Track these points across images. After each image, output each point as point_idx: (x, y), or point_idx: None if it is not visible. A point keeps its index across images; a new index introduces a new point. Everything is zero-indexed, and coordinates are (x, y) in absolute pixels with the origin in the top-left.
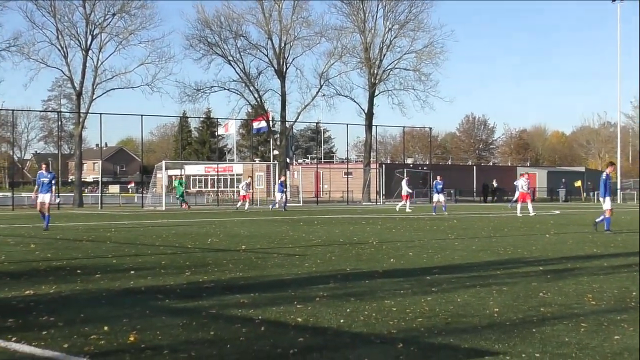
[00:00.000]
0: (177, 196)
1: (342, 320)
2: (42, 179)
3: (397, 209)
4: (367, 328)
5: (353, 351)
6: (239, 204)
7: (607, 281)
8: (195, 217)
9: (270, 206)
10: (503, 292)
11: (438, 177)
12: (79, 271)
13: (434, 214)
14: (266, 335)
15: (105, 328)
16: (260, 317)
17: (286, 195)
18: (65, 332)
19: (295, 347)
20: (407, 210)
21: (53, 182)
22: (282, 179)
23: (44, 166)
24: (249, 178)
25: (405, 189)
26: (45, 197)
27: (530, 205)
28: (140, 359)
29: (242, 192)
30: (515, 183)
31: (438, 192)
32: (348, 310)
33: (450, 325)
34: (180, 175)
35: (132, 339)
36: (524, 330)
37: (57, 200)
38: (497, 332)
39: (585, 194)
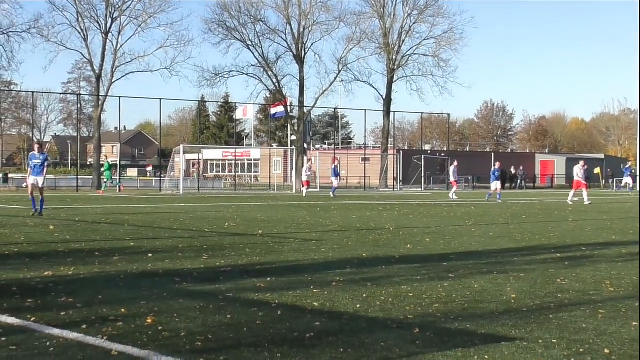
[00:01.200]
0: (105, 180)
1: (358, 305)
2: (34, 161)
3: (451, 197)
4: (384, 313)
5: (369, 336)
6: (304, 190)
7: (625, 268)
8: (213, 201)
9: (331, 193)
10: (520, 279)
11: (497, 164)
12: (97, 253)
13: (499, 201)
14: (283, 319)
15: (123, 310)
16: (277, 301)
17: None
18: (83, 313)
19: (312, 332)
20: (453, 197)
21: (46, 163)
22: (336, 163)
23: (36, 147)
24: (310, 162)
25: (452, 175)
26: (37, 180)
27: (585, 194)
28: (158, 340)
29: (304, 178)
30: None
31: (497, 179)
32: (364, 295)
33: (466, 311)
34: (106, 158)
35: (149, 321)
36: (541, 316)
37: (42, 184)
38: (514, 318)
39: (604, 181)
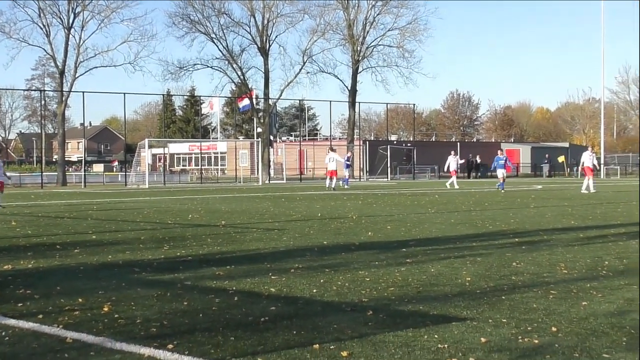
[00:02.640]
0: None
1: (314, 290)
2: None
3: (447, 185)
4: (339, 297)
5: (323, 319)
6: (332, 180)
7: (580, 251)
8: (178, 194)
9: (342, 183)
10: (477, 263)
11: (499, 152)
12: (58, 247)
13: (501, 190)
14: (239, 305)
15: (80, 300)
16: (234, 288)
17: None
18: (40, 304)
19: (267, 316)
20: (455, 186)
21: None
22: (349, 154)
23: None
24: (331, 152)
25: (452, 165)
26: None
27: (591, 181)
28: (113, 328)
29: (332, 167)
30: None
31: (501, 168)
32: (321, 280)
33: (421, 294)
34: None
35: (106, 309)
36: (493, 297)
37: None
38: (467, 299)
39: (568, 169)
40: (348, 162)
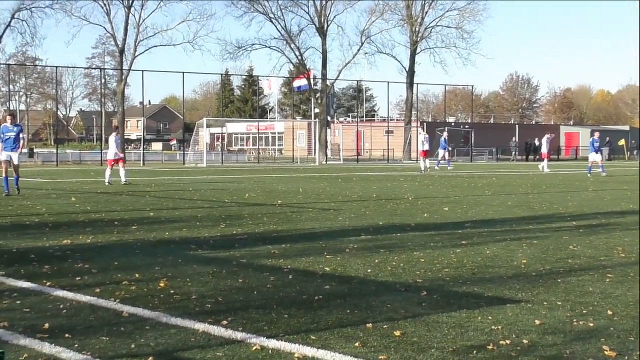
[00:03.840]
0: None
1: (369, 270)
2: (7, 134)
3: (540, 168)
4: (393, 277)
5: (376, 298)
6: (423, 161)
7: None
8: (236, 173)
9: (436, 165)
10: (533, 245)
11: (595, 135)
12: (116, 223)
13: (588, 174)
14: (293, 283)
15: (137, 275)
16: (289, 267)
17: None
18: (98, 278)
19: (320, 294)
20: (546, 170)
21: (21, 135)
22: (445, 134)
23: (9, 118)
24: (423, 133)
25: (544, 146)
26: (12, 156)
27: None
28: (168, 303)
29: (425, 147)
30: None
31: (596, 151)
32: (376, 260)
33: (476, 275)
34: None
35: (162, 285)
36: (549, 280)
37: (18, 160)
38: (522, 282)
39: (629, 152)
40: (445, 143)
